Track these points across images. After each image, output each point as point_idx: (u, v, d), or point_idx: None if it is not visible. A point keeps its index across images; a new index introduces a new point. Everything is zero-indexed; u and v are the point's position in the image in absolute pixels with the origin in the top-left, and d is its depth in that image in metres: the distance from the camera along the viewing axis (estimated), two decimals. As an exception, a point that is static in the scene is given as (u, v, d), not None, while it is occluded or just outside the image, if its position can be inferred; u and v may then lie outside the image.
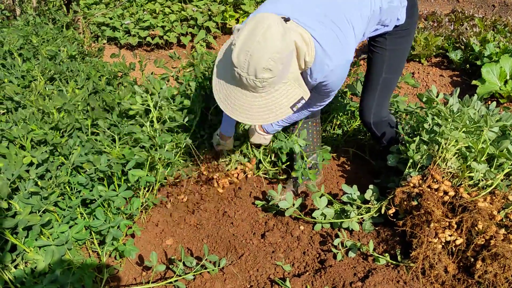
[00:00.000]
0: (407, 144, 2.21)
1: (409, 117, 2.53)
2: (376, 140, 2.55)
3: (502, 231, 1.77)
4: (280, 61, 1.61)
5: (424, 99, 2.45)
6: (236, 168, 2.64)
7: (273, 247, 2.19)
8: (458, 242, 1.84)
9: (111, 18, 5.31)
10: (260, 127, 2.42)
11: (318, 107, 2.22)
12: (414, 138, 2.20)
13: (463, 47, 4.52)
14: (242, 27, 1.64)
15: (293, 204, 2.21)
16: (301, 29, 1.74)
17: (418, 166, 2.12)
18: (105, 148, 2.06)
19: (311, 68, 1.83)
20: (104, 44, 5.10)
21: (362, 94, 2.37)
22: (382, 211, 2.12)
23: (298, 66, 1.77)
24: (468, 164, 1.96)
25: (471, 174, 1.95)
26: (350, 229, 2.20)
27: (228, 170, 2.62)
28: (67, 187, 1.95)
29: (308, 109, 2.23)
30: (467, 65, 4.39)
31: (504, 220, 1.82)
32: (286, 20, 1.69)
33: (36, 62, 2.97)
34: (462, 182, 1.96)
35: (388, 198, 2.10)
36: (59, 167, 1.98)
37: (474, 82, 3.91)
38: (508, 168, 1.91)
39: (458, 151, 2.05)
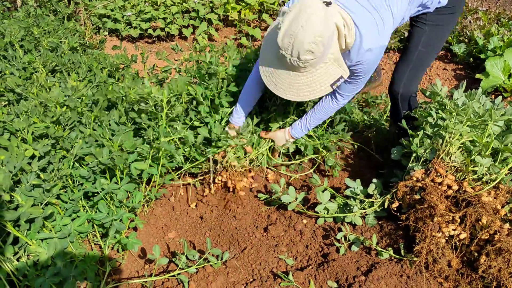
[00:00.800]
0: (411, 138, 2.20)
1: (414, 111, 2.51)
2: (395, 118, 2.56)
3: (507, 225, 1.76)
4: (322, 43, 1.75)
5: (428, 94, 2.43)
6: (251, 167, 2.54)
7: (275, 240, 2.18)
8: (462, 236, 1.83)
9: (112, 10, 5.28)
10: (289, 133, 2.48)
11: (344, 100, 2.30)
12: (418, 132, 2.19)
13: (466, 40, 4.49)
14: (288, 11, 1.77)
15: (296, 198, 2.20)
16: (344, 12, 1.85)
17: (422, 160, 2.11)
18: (107, 141, 2.05)
19: (349, 50, 1.96)
20: (105, 36, 5.07)
21: (396, 66, 2.44)
22: (385, 205, 2.12)
23: (339, 47, 1.90)
24: (472, 158, 1.95)
25: (475, 168, 1.94)
26: (353, 223, 2.19)
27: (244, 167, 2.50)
28: (69, 180, 1.95)
29: (338, 102, 2.31)
30: (471, 59, 4.37)
31: (508, 214, 1.81)
32: (328, 4, 1.79)
33: (38, 53, 2.96)
34: (466, 176, 1.95)
35: (391, 192, 2.09)
36: (61, 160, 1.97)
37: (477, 75, 3.89)
38: (513, 162, 1.90)
39: (462, 145, 2.03)
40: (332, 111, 2.37)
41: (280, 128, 2.58)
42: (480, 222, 1.79)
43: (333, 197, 2.28)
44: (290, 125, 2.51)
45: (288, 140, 2.51)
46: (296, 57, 1.79)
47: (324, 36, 1.73)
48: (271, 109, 2.60)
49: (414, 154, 2.14)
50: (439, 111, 2.23)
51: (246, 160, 2.46)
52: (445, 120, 2.11)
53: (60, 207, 1.87)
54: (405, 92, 2.41)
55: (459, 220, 1.85)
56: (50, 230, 1.79)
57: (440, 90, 2.33)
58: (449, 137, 2.00)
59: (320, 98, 2.37)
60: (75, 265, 1.71)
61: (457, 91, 2.23)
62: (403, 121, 2.41)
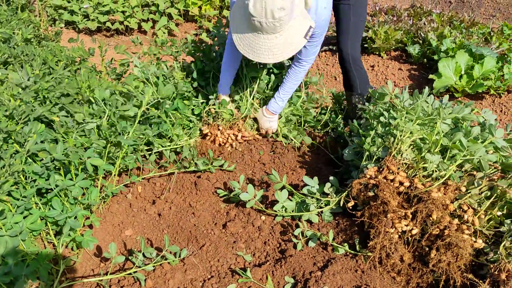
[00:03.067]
0: (363, 138, 2.26)
1: (366, 112, 2.58)
2: (349, 86, 2.91)
3: (456, 221, 1.83)
4: None
5: (377, 96, 2.50)
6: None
7: (234, 237, 2.19)
8: (414, 232, 1.89)
9: (69, 1, 5.13)
10: (267, 111, 2.78)
11: (308, 63, 2.62)
12: (370, 132, 2.25)
13: (421, 41, 4.63)
14: None
15: (255, 196, 2.22)
16: None
17: (374, 158, 2.17)
18: (62, 136, 2.00)
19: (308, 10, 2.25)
20: (61, 28, 4.93)
21: (338, 39, 2.82)
22: (341, 204, 2.16)
23: (303, 2, 2.18)
24: (422, 155, 2.02)
25: (425, 165, 2.01)
26: (310, 220, 2.23)
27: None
28: (21, 176, 1.88)
29: (303, 67, 2.63)
30: (425, 59, 4.52)
31: (457, 210, 1.89)
32: None
33: (-12, 45, 2.84)
34: (417, 173, 2.02)
35: (347, 190, 2.14)
36: (13, 155, 1.91)
37: (431, 76, 4.03)
38: (461, 159, 1.97)
39: (412, 143, 2.11)
40: (299, 77, 2.68)
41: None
42: (430, 218, 1.86)
43: (291, 194, 2.31)
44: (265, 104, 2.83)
45: (268, 117, 2.79)
46: (271, 17, 2.01)
47: None
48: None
49: (367, 153, 2.20)
50: (390, 110, 2.30)
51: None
52: (396, 119, 2.18)
53: (11, 204, 1.81)
54: (353, 53, 2.80)
55: (411, 216, 1.92)
56: (1, 228, 1.73)
57: (391, 91, 2.41)
58: (400, 135, 2.07)
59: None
60: (27, 264, 1.66)
61: (404, 92, 2.33)
62: (355, 121, 2.49)
